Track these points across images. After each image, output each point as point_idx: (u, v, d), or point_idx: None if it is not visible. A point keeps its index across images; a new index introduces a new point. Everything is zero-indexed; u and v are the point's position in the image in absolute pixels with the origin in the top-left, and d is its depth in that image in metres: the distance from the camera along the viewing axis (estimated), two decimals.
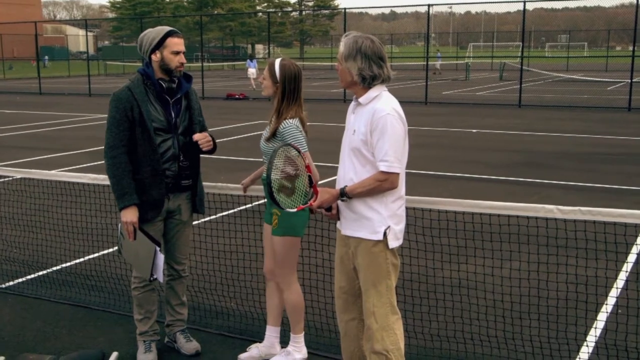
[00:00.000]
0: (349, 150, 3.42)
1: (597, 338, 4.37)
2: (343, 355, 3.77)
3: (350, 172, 3.41)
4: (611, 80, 36.62)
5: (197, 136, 4.14)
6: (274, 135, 3.95)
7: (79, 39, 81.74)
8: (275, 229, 4.02)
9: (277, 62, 4.02)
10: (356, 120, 3.40)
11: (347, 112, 3.54)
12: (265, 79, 4.04)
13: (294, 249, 4.09)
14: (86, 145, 14.27)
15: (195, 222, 4.69)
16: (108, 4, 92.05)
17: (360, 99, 3.39)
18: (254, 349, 4.36)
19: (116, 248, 6.29)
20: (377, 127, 3.28)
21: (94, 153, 13.03)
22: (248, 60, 35.47)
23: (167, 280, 4.45)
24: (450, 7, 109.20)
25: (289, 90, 3.96)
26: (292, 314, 4.19)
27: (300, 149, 3.83)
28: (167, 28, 4.12)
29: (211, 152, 4.28)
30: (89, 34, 38.37)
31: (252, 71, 33.64)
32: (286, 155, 3.44)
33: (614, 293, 4.93)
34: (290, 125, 3.92)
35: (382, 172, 3.29)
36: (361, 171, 3.37)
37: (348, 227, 3.47)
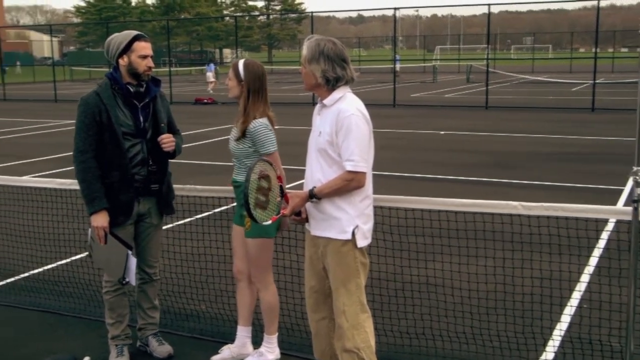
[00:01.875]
0: (315, 151, 3.48)
1: (562, 332, 4.48)
2: (315, 354, 3.81)
3: (317, 173, 3.46)
4: (575, 81, 37.25)
5: (161, 137, 4.15)
6: (243, 135, 3.98)
7: (43, 45, 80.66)
8: (248, 231, 4.05)
9: (241, 62, 4.07)
10: (321, 122, 3.46)
11: (313, 115, 3.59)
12: (230, 80, 4.07)
13: (267, 250, 4.13)
14: (51, 152, 14.11)
15: (164, 227, 4.69)
16: (73, 9, 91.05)
17: (325, 101, 3.45)
18: (226, 350, 4.38)
19: (85, 254, 6.25)
20: (342, 128, 3.33)
21: (60, 160, 12.90)
22: (207, 65, 35.64)
23: (139, 283, 4.44)
24: (417, 11, 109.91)
25: (255, 89, 4.01)
26: (268, 314, 4.22)
27: (271, 147, 3.89)
28: (134, 32, 4.12)
29: (172, 156, 4.27)
30: (53, 39, 37.88)
31: (209, 75, 33.87)
32: (260, 169, 3.46)
33: (578, 288, 5.05)
34: (260, 125, 3.97)
35: (349, 171, 3.35)
36: (328, 172, 3.42)
37: (317, 227, 3.52)
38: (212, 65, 35.45)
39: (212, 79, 34.38)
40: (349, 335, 3.47)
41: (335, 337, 3.58)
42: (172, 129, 4.36)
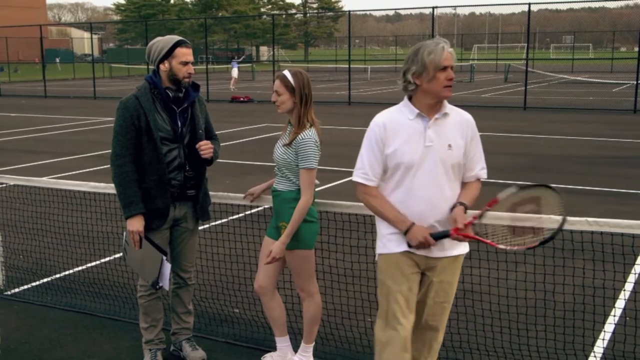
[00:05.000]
0: (444, 167, 3.25)
1: (604, 349, 4.34)
2: None
3: (448, 190, 3.29)
4: (616, 81, 36.52)
5: (199, 143, 4.13)
6: (290, 144, 3.90)
7: (83, 42, 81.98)
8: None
9: (287, 73, 3.92)
10: (442, 135, 3.26)
11: (405, 129, 3.27)
12: (281, 95, 3.89)
13: (308, 261, 4.04)
14: (90, 149, 14.29)
15: (199, 228, 4.68)
16: (113, 6, 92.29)
17: (446, 110, 3.31)
18: (268, 359, 4.35)
19: (119, 255, 6.29)
20: (475, 135, 3.34)
21: (98, 157, 13.05)
22: (233, 62, 36.19)
23: (173, 288, 4.44)
24: (455, 9, 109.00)
25: (307, 97, 3.90)
26: (309, 323, 4.16)
27: (313, 163, 3.82)
28: (176, 38, 4.09)
29: (209, 162, 4.24)
30: (93, 36, 38.44)
31: (234, 71, 34.63)
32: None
33: (621, 303, 4.90)
34: (310, 139, 3.84)
35: (480, 179, 3.39)
36: (455, 187, 3.33)
37: (449, 247, 3.34)
38: (235, 63, 36.03)
39: (235, 76, 34.97)
40: (437, 349, 3.56)
41: (426, 350, 3.56)
42: (210, 135, 4.34)
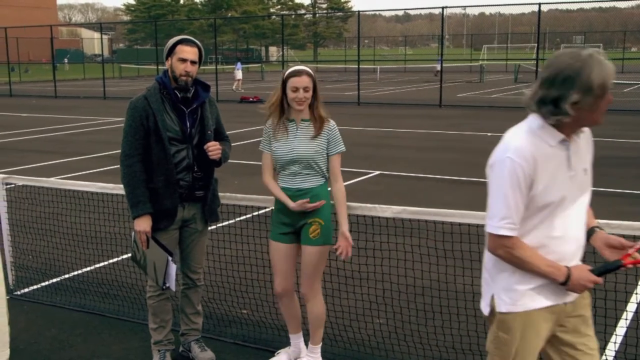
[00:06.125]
0: (583, 196, 2.70)
1: (615, 352, 4.30)
2: None
3: (583, 224, 2.76)
4: (628, 82, 36.31)
5: (207, 144, 4.12)
6: (318, 134, 3.95)
7: (94, 42, 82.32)
8: (316, 239, 3.97)
9: (310, 70, 3.95)
10: (580, 158, 2.67)
11: (550, 159, 2.58)
12: (308, 90, 3.88)
13: (326, 258, 4.10)
14: (100, 149, 14.32)
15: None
16: (123, 7, 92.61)
17: (585, 129, 2.72)
18: (283, 355, 4.36)
19: (128, 255, 6.30)
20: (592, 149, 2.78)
21: (108, 157, 13.08)
22: (238, 63, 36.29)
23: (182, 289, 4.44)
24: (464, 9, 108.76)
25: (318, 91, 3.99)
26: (314, 324, 4.16)
27: (343, 147, 4.03)
28: (182, 37, 4.12)
29: (218, 163, 4.23)
30: (104, 36, 38.57)
31: (237, 72, 34.81)
32: None
33: (632, 306, 4.86)
34: (335, 125, 4.04)
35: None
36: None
37: None
38: (239, 64, 36.09)
39: (240, 77, 35.06)
40: None
41: None
42: (221, 136, 4.33)
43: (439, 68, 48.10)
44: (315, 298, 4.11)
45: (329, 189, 4.03)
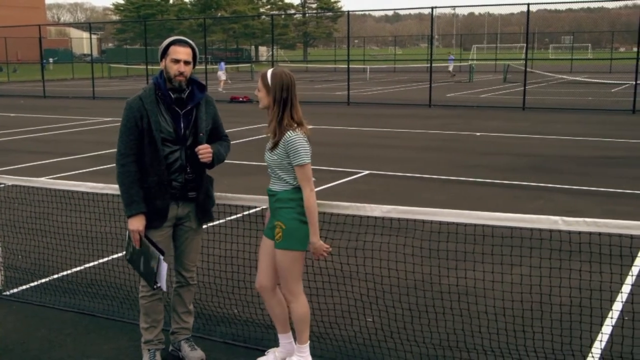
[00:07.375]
0: None
1: (602, 350, 4.34)
2: None
3: None
4: (615, 82, 36.54)
5: (198, 147, 4.13)
6: (276, 145, 3.93)
7: (82, 42, 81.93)
8: (278, 242, 4.00)
9: (269, 71, 3.96)
10: None
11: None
12: (259, 91, 3.97)
13: (298, 262, 4.06)
14: (89, 149, 14.26)
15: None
16: (112, 6, 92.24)
17: None
18: (271, 355, 4.37)
19: (118, 255, 6.30)
20: None
21: (97, 157, 13.03)
22: (222, 63, 36.23)
23: (175, 287, 4.45)
24: (454, 9, 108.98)
25: (284, 98, 3.89)
26: (298, 324, 4.18)
27: (305, 159, 3.83)
28: (176, 37, 4.14)
29: (210, 165, 4.24)
30: (93, 36, 38.43)
31: (220, 74, 34.70)
32: None
33: (618, 305, 4.90)
34: (297, 135, 3.88)
35: None
36: None
37: None
38: (222, 64, 36.01)
39: (223, 78, 34.98)
40: None
41: None
42: (219, 135, 4.35)
43: (451, 68, 48.31)
44: (296, 301, 4.13)
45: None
